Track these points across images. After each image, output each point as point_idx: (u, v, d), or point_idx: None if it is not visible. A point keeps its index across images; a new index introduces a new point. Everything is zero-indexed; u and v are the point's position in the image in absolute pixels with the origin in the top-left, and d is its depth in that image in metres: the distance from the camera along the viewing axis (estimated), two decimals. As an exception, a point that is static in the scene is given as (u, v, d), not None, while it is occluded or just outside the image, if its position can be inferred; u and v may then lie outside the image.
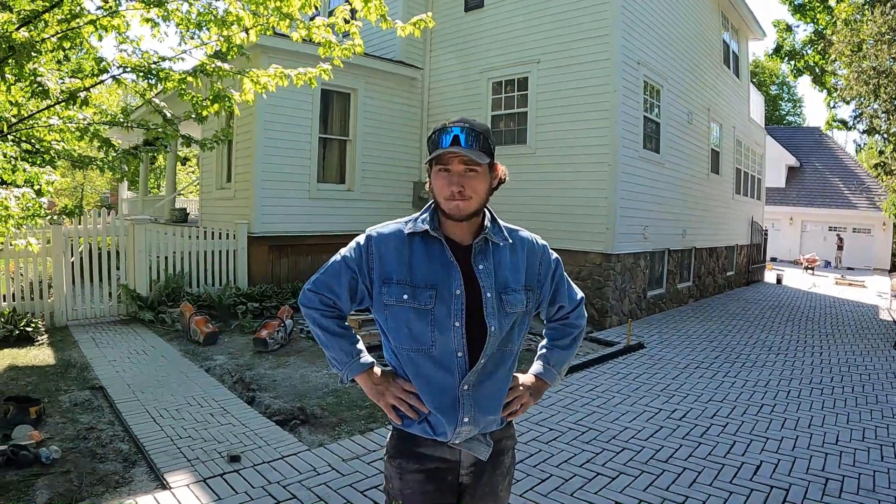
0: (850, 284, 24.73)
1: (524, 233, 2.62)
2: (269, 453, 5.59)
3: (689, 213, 16.06)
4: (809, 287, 22.98)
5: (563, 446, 6.15)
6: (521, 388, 2.61)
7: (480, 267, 2.43)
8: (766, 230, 25.39)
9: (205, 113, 6.83)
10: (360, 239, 2.54)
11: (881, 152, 19.36)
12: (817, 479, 5.51)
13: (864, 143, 19.36)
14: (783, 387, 8.60)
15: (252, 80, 6.81)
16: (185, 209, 17.57)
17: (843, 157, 39.76)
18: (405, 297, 2.38)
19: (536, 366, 2.73)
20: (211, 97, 6.74)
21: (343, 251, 2.55)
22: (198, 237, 11.78)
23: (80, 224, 10.61)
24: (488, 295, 2.39)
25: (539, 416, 6.96)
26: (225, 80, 6.89)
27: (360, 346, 2.55)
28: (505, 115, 14.04)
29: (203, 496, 4.71)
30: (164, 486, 4.84)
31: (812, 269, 30.54)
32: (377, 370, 2.52)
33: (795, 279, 25.93)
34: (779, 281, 23.91)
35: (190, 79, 6.54)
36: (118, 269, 11.10)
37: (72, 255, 10.62)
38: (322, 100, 13.58)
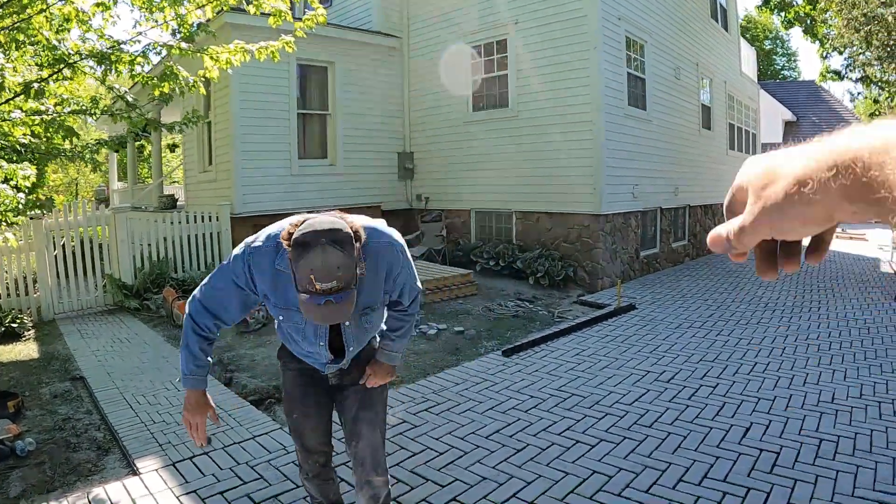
0: (850, 238, 24.38)
1: (380, 240, 2.82)
2: (240, 434, 5.47)
3: (680, 170, 15.67)
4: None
5: (544, 414, 5.85)
6: (374, 371, 3.21)
7: None
8: (764, 186, 24.93)
9: (157, 92, 6.71)
10: (241, 256, 2.76)
11: (876, 101, 18.97)
12: (811, 440, 5.19)
13: (859, 94, 18.97)
14: (778, 344, 8.28)
15: (212, 58, 6.62)
16: (173, 195, 17.25)
17: (841, 109, 39.27)
18: (280, 317, 2.89)
19: (381, 354, 3.23)
20: (160, 76, 6.57)
21: (229, 268, 2.80)
22: (180, 222, 11.49)
23: (60, 217, 10.36)
24: (347, 324, 2.89)
25: (521, 384, 6.67)
26: (190, 61, 6.77)
27: (204, 370, 2.98)
28: (486, 79, 13.64)
29: (171, 480, 4.62)
30: (135, 472, 4.79)
31: (812, 223, 30.15)
32: (200, 394, 2.98)
33: (795, 234, 25.38)
34: (778, 237, 23.42)
35: (140, 59, 6.40)
36: (101, 260, 10.84)
37: (55, 249, 10.37)
38: (300, 75, 13.31)
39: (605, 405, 6.08)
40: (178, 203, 16.74)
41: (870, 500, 4.19)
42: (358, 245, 2.48)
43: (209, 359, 2.98)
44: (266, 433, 5.47)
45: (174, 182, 26.35)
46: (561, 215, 12.32)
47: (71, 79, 6.43)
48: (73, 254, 10.57)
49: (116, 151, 21.65)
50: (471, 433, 5.44)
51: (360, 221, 2.73)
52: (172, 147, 31.17)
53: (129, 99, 6.82)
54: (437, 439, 5.33)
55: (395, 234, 2.90)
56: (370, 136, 14.53)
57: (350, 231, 2.46)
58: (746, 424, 5.55)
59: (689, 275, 14.18)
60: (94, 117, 7.16)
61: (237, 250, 2.78)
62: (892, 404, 5.96)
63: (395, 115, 15.16)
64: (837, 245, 21.72)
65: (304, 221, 2.46)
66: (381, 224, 2.90)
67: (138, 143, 21.35)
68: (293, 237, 2.38)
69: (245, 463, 4.88)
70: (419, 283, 3.08)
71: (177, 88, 6.69)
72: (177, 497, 4.38)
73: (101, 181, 33.40)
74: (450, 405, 6.10)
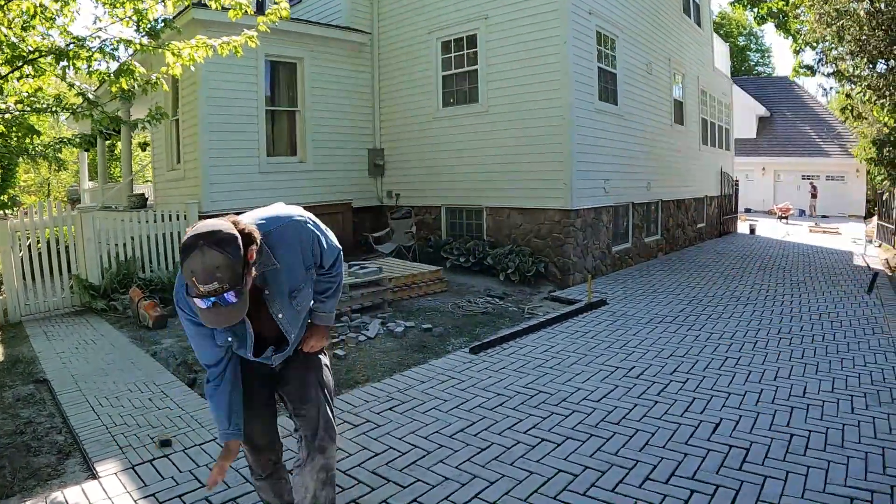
0: (824, 232, 24.50)
1: (282, 223, 2.90)
2: (201, 435, 5.29)
3: (653, 165, 15.59)
4: (783, 236, 22.73)
5: (509, 412, 5.70)
6: (310, 333, 3.32)
7: (267, 292, 2.90)
8: (738, 181, 25.02)
9: (114, 88, 6.61)
10: (180, 303, 2.80)
11: (848, 96, 18.94)
12: (781, 435, 5.07)
13: (831, 88, 18.99)
14: (750, 338, 8.18)
15: (173, 54, 6.50)
16: (143, 195, 16.93)
17: (814, 105, 39.54)
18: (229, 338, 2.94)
19: (313, 317, 3.32)
20: (115, 72, 6.45)
21: (184, 322, 2.88)
22: (147, 221, 11.22)
23: (26, 218, 10.08)
24: (280, 315, 2.97)
25: (487, 382, 6.52)
26: (157, 58, 6.69)
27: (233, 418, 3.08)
28: (456, 75, 13.49)
29: (130, 484, 4.46)
30: (94, 475, 4.63)
31: (786, 218, 30.36)
32: (230, 441, 3.09)
33: (769, 229, 25.62)
34: (752, 231, 23.63)
35: (98, 55, 6.28)
36: (68, 260, 10.57)
37: (20, 250, 10.10)
38: (269, 71, 13.10)
39: (573, 402, 5.94)
40: (148, 202, 16.48)
41: (841, 496, 4.07)
42: (252, 246, 2.54)
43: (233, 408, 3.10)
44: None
45: (147, 181, 26.03)
46: (532, 211, 12.19)
47: (35, 76, 6.30)
48: (40, 255, 10.28)
49: (87, 150, 21.39)
50: (434, 432, 5.28)
51: (257, 216, 2.87)
52: (144, 146, 30.96)
53: (91, 96, 6.69)
54: (399, 439, 5.16)
55: (297, 211, 3.00)
56: (340, 132, 14.34)
57: (232, 232, 2.47)
58: (716, 420, 5.42)
59: (662, 270, 14.09)
60: (55, 116, 7.00)
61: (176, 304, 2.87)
62: (865, 398, 5.86)
63: (365, 112, 14.96)
64: (811, 239, 21.81)
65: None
66: (279, 209, 2.99)
67: (109, 141, 21.04)
68: (184, 237, 2.44)
69: (205, 465, 4.71)
70: (336, 243, 3.18)
71: (136, 85, 6.57)
72: (135, 501, 4.22)
73: (74, 181, 33.08)
74: (414, 404, 5.93)
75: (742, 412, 5.59)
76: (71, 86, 6.62)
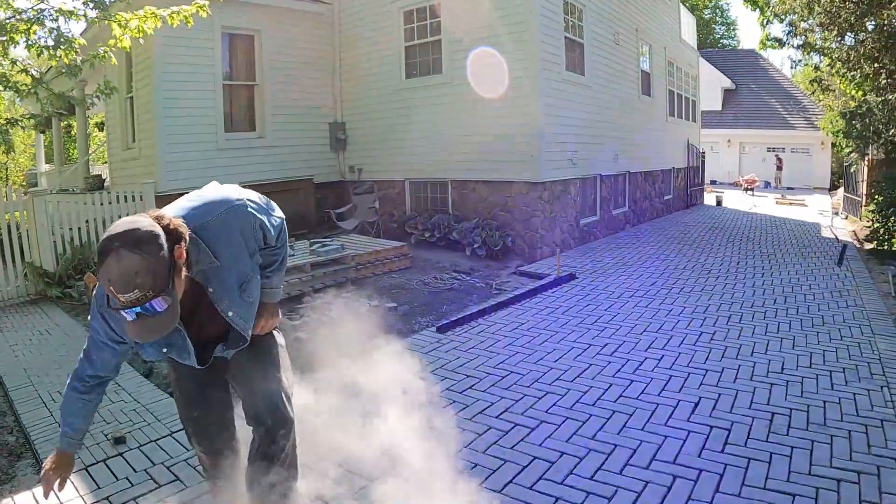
0: (790, 203, 24.59)
1: (217, 211, 2.56)
2: (157, 430, 4.95)
3: (620, 136, 15.36)
4: (750, 208, 22.74)
5: (480, 395, 5.46)
6: (261, 320, 2.95)
7: (211, 290, 2.59)
8: (704, 153, 24.95)
9: (54, 62, 6.31)
10: (101, 309, 2.50)
11: (817, 68, 18.88)
12: (762, 414, 4.89)
13: (799, 61, 18.92)
14: (723, 312, 8.02)
15: (119, 25, 6.18)
16: (100, 175, 16.43)
17: (780, 78, 39.68)
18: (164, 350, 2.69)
19: (263, 294, 2.93)
20: (53, 45, 6.13)
21: (94, 325, 2.57)
22: (102, 203, 10.77)
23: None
24: (230, 313, 2.64)
25: (456, 363, 6.28)
26: (106, 33, 6.39)
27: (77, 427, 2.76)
28: (419, 46, 13.10)
29: (82, 486, 4.13)
30: None
31: (752, 190, 30.45)
32: (62, 452, 2.77)
33: (736, 200, 25.63)
34: (719, 203, 23.63)
35: (37, 27, 5.95)
36: (21, 248, 10.11)
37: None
38: (226, 45, 12.66)
39: (545, 383, 5.71)
40: (105, 183, 16.04)
41: (827, 477, 3.91)
42: (180, 244, 2.23)
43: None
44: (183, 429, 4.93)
45: (106, 162, 25.52)
46: (498, 184, 11.95)
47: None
48: None
49: (42, 132, 20.83)
50: (400, 419, 5.04)
51: (184, 205, 2.54)
52: (102, 126, 30.30)
53: (34, 73, 6.36)
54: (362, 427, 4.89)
55: (231, 193, 2.66)
56: (300, 106, 13.94)
57: (152, 230, 2.14)
58: (695, 399, 5.23)
59: (631, 242, 13.91)
60: (-1, 96, 6.72)
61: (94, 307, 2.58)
62: (844, 373, 5.71)
63: (325, 85, 14.55)
64: (778, 211, 21.84)
65: None
66: (210, 192, 2.66)
67: (65, 122, 20.48)
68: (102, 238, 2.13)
69: (161, 463, 4.40)
70: (279, 214, 2.90)
71: (77, 59, 6.27)
72: None
73: (33, 165, 32.39)
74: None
75: (721, 390, 5.41)
76: (13, 62, 6.28)
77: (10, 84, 6.59)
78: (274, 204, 2.90)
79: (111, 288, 2.04)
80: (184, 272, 2.27)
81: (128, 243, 2.05)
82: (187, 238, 2.28)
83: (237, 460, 3.16)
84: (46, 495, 2.74)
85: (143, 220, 2.15)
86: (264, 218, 2.73)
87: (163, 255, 2.11)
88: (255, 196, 2.76)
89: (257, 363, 2.97)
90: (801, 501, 3.68)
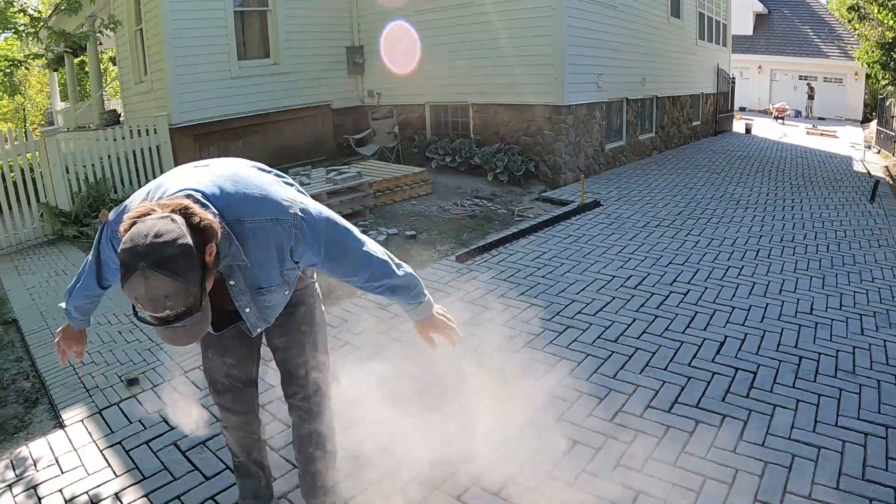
0: (822, 134, 24.01)
1: (258, 217, 2.17)
2: (171, 370, 4.85)
3: (648, 59, 14.86)
4: (780, 137, 22.24)
5: (499, 328, 5.31)
6: (421, 332, 2.86)
7: (232, 283, 2.32)
8: (734, 78, 24.32)
9: None
10: (111, 239, 2.33)
11: (855, -6, 18.19)
12: (790, 357, 4.72)
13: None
14: (752, 245, 7.80)
15: None
16: (115, 111, 16.21)
17: (814, 4, 38.37)
18: None
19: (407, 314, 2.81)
20: None
21: (103, 246, 2.42)
22: (115, 139, 10.58)
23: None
24: (247, 310, 2.39)
25: (475, 294, 6.14)
26: None
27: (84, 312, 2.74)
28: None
29: (96, 431, 4.08)
30: (61, 424, 4.27)
31: (782, 118, 29.74)
32: (71, 324, 2.77)
33: (765, 129, 25.02)
34: (748, 131, 23.09)
35: None
36: (36, 189, 9.94)
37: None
38: (236, -31, 12.29)
39: (567, 316, 5.57)
40: (121, 118, 15.85)
41: (855, 430, 3.74)
42: (210, 244, 1.92)
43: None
44: (197, 366, 4.76)
45: (113, 97, 25.27)
46: (521, 107, 11.65)
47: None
48: (5, 186, 9.56)
49: (56, 70, 20.55)
50: (418, 354, 4.88)
51: (231, 188, 2.16)
52: (115, 60, 29.93)
53: (32, 12, 6.13)
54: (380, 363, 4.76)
55: (287, 206, 2.22)
56: (316, 31, 13.55)
57: (184, 242, 1.81)
58: (720, 339, 5.07)
59: (657, 169, 13.63)
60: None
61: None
62: (874, 318, 5.50)
63: (341, 7, 14.09)
64: (809, 141, 21.36)
65: (142, 215, 1.85)
66: (269, 188, 2.26)
67: (78, 59, 20.14)
68: (120, 247, 1.81)
69: (174, 405, 4.31)
70: (367, 248, 2.42)
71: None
72: (101, 451, 3.85)
73: (49, 104, 32.17)
74: (396, 322, 5.51)
75: (747, 329, 5.24)
76: (10, 2, 6.05)
77: (9, 25, 6.36)
78: (348, 230, 2.40)
79: (139, 303, 1.82)
80: (213, 273, 2.02)
81: (156, 264, 1.76)
82: (219, 235, 1.98)
83: (252, 410, 2.95)
84: (63, 362, 2.85)
85: (172, 228, 1.83)
86: (317, 246, 2.29)
87: (196, 271, 1.86)
88: (311, 209, 2.32)
89: (294, 333, 2.80)
90: (826, 456, 3.52)
